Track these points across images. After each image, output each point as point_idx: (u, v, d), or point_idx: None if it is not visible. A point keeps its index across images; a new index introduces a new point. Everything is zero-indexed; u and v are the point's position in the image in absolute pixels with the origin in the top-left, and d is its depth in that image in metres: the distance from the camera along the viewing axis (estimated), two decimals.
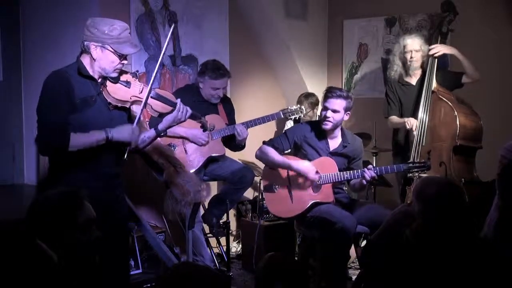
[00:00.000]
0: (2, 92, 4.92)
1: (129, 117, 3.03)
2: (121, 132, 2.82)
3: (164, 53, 3.01)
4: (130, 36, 2.90)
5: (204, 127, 3.38)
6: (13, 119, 4.93)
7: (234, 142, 4.36)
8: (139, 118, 2.92)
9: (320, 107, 5.30)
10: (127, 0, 4.59)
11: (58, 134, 2.72)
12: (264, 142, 4.03)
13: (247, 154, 4.93)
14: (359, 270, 3.87)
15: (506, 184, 2.72)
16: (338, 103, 3.80)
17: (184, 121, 3.00)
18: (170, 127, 2.99)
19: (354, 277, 4.16)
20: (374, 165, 4.69)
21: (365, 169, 3.70)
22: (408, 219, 2.45)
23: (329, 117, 3.81)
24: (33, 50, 4.92)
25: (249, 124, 4.31)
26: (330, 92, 3.84)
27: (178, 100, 2.98)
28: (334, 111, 3.81)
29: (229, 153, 4.53)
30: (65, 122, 2.74)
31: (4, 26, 4.89)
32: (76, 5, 4.52)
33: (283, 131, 4.36)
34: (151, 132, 3.00)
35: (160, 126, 2.97)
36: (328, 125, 3.86)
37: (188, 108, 3.00)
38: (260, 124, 4.36)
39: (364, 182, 3.71)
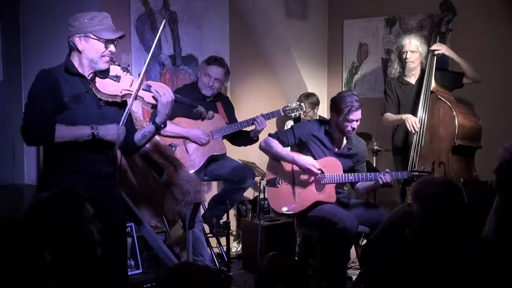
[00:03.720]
0: (2, 92, 4.92)
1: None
2: (107, 131, 2.80)
3: (149, 61, 2.97)
4: (112, 24, 2.87)
5: (201, 116, 3.32)
6: (13, 119, 4.93)
7: (246, 136, 4.39)
8: (127, 115, 2.87)
9: (319, 107, 5.35)
10: (127, 0, 4.61)
11: (44, 124, 2.72)
12: (270, 135, 4.04)
13: (248, 154, 4.93)
14: (359, 270, 3.88)
15: (504, 183, 2.72)
16: (360, 113, 3.84)
17: (173, 99, 2.90)
18: (166, 115, 2.92)
19: (354, 277, 4.16)
20: (375, 165, 4.71)
21: (382, 174, 3.75)
22: (407, 219, 2.45)
23: (355, 128, 3.86)
24: (33, 50, 4.92)
25: (249, 122, 4.32)
26: (351, 106, 3.78)
27: (151, 85, 2.92)
28: (358, 120, 3.85)
29: (229, 153, 4.53)
30: (50, 114, 2.74)
31: (4, 26, 4.90)
32: (76, 6, 4.52)
33: (290, 126, 4.36)
34: (150, 127, 2.98)
35: (157, 119, 2.92)
36: (353, 133, 3.92)
37: (168, 88, 2.94)
38: None
39: (380, 182, 3.73)
